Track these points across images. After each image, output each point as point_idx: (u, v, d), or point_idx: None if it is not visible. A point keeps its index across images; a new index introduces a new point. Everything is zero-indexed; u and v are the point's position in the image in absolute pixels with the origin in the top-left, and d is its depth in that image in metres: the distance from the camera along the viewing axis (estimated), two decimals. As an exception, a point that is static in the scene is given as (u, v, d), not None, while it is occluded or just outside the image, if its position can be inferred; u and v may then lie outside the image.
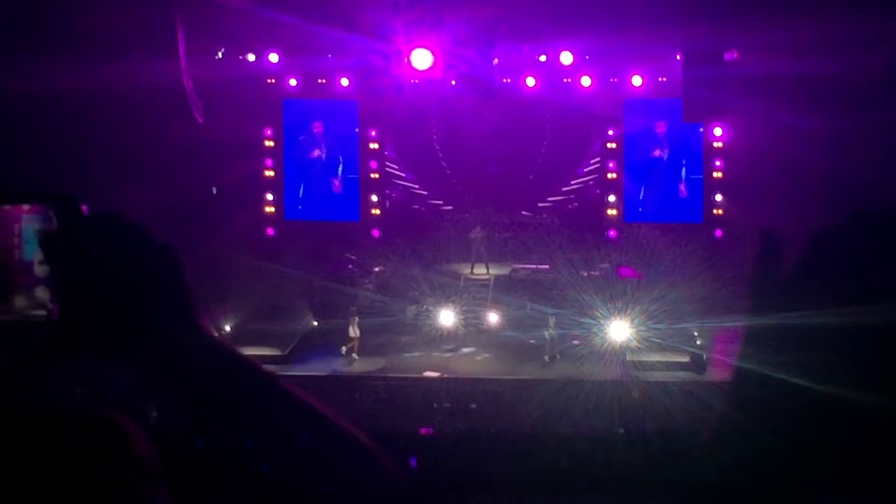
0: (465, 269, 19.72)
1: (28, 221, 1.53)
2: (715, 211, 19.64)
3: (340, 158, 20.55)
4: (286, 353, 16.42)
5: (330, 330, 17.58)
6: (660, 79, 19.12)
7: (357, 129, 20.37)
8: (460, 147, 20.20)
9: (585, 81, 19.23)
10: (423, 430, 11.00)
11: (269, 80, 19.61)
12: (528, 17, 17.53)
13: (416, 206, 20.85)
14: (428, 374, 15.92)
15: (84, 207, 1.48)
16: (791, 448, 1.37)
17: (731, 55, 17.04)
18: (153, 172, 15.25)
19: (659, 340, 15.81)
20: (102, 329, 1.43)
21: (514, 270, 19.89)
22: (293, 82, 19.73)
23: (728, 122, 18.78)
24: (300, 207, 20.55)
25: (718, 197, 19.61)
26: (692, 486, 1.53)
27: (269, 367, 1.49)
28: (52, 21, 13.27)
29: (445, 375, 15.78)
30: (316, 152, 20.54)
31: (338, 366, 16.38)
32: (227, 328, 16.88)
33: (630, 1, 16.43)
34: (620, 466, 4.99)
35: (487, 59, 18.51)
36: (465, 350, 17.40)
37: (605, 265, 18.69)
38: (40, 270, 1.51)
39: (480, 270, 19.69)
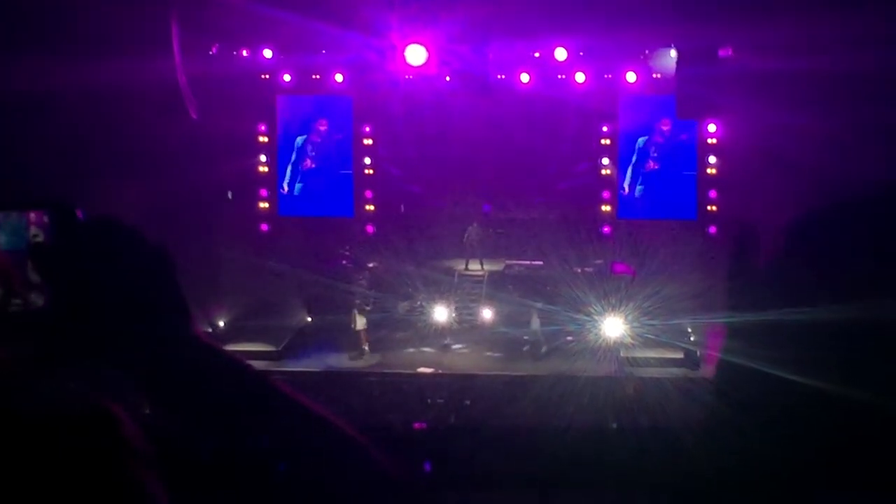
0: (459, 265, 19.74)
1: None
2: (709, 207, 19.66)
3: (334, 154, 20.51)
4: (280, 348, 16.42)
5: (324, 326, 17.59)
6: (654, 75, 19.12)
7: (351, 125, 20.34)
8: (455, 143, 20.17)
9: (580, 78, 19.20)
10: (416, 426, 11.01)
11: (263, 76, 19.55)
12: (522, 14, 17.51)
13: (411, 203, 20.83)
14: (422, 369, 15.95)
15: (79, 212, 1.48)
16: (784, 444, 1.37)
17: (725, 52, 17.04)
18: (146, 168, 15.19)
19: (653, 336, 15.84)
20: (96, 333, 1.43)
21: (507, 266, 19.91)
22: (287, 78, 19.66)
23: (722, 118, 18.77)
24: (294, 203, 20.51)
25: (712, 194, 19.63)
26: (686, 480, 1.53)
27: (264, 363, 1.50)
28: (43, 17, 13.20)
29: (439, 371, 15.81)
30: (310, 148, 20.50)
31: (332, 361, 16.39)
32: (222, 324, 16.87)
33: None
34: (614, 462, 5.01)
35: (482, 55, 18.47)
36: (459, 346, 17.42)
37: (599, 261, 18.70)
38: (34, 276, 1.50)
39: (474, 266, 19.70)
